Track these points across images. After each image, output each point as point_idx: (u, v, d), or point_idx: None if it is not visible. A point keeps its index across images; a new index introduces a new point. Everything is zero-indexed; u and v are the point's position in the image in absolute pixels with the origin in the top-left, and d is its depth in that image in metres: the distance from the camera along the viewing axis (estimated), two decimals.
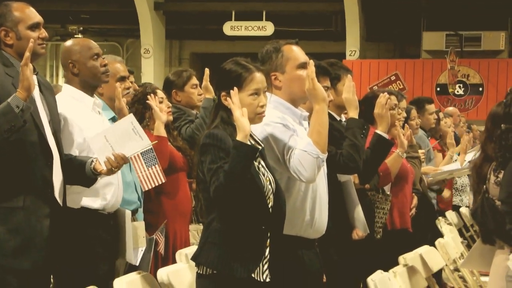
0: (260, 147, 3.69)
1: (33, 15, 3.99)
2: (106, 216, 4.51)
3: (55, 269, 4.00)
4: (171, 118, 5.51)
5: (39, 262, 3.83)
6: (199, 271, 3.61)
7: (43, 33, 3.98)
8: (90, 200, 4.42)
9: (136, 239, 4.80)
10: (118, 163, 3.94)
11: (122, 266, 5.06)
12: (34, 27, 3.96)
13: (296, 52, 4.08)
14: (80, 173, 4.04)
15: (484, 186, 4.54)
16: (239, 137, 3.49)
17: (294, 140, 3.87)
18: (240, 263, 3.54)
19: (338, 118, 5.18)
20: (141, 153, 4.38)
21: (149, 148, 4.20)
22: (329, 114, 4.98)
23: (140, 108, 5.35)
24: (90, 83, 4.48)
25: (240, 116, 3.51)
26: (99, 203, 4.46)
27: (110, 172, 3.97)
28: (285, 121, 3.94)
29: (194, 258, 3.62)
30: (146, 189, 4.78)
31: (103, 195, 4.46)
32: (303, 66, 4.03)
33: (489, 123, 4.70)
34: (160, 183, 4.77)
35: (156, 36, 17.39)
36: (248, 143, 3.50)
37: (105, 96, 4.95)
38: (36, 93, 3.91)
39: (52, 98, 4.03)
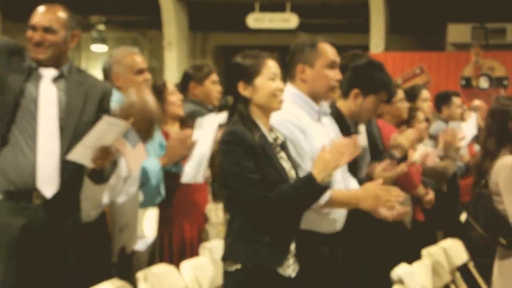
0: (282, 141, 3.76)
1: (35, 16, 4.02)
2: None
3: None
4: (181, 111, 5.48)
5: None
6: (227, 269, 3.61)
7: (35, 36, 3.97)
8: None
9: (144, 227, 4.78)
10: (102, 154, 3.87)
11: (145, 257, 5.06)
12: (31, 27, 4.00)
13: (329, 51, 4.08)
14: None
15: (484, 181, 4.57)
16: (317, 175, 3.55)
17: (301, 156, 3.89)
18: (269, 256, 3.57)
19: None
20: (123, 136, 4.37)
21: (128, 128, 4.15)
22: None
23: None
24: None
25: (329, 156, 3.56)
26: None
27: (101, 165, 3.93)
28: (299, 121, 3.92)
29: (224, 257, 3.63)
30: (134, 171, 4.66)
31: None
32: (332, 65, 4.05)
33: (489, 120, 4.76)
34: (144, 159, 4.75)
35: (179, 28, 17.35)
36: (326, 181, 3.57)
37: (123, 90, 4.96)
38: (45, 83, 3.93)
39: (82, 99, 4.02)
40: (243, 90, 3.64)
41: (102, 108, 4.10)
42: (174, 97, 5.46)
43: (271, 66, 3.67)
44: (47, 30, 3.96)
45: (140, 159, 4.60)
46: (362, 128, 4.71)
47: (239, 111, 3.64)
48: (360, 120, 4.61)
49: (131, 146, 4.48)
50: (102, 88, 4.14)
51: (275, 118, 3.81)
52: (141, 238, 4.77)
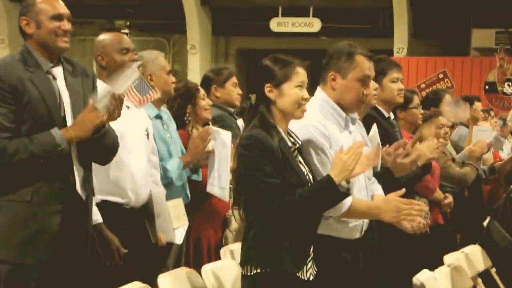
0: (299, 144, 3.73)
1: (57, 6, 3.95)
2: (129, 210, 4.50)
3: (77, 265, 3.97)
4: (210, 116, 5.53)
5: (44, 258, 3.80)
6: (245, 273, 3.60)
7: (66, 25, 3.93)
8: (111, 197, 4.43)
9: (175, 218, 4.81)
10: (113, 103, 3.87)
11: (172, 255, 5.09)
12: (56, 18, 3.92)
13: (365, 65, 4.00)
14: (89, 143, 3.95)
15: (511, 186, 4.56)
16: (335, 177, 3.53)
17: (323, 164, 3.83)
18: (289, 260, 3.56)
19: (386, 115, 5.15)
20: (134, 86, 4.36)
21: (139, 78, 4.13)
22: (377, 110, 5.02)
23: (182, 103, 5.37)
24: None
25: (346, 158, 3.53)
26: (120, 200, 4.47)
27: (111, 117, 3.90)
28: (325, 128, 3.90)
29: (242, 261, 3.63)
30: (140, 106, 4.70)
31: (123, 193, 4.47)
32: (364, 80, 3.99)
33: None
34: (156, 96, 4.76)
35: (203, 31, 17.42)
36: (342, 186, 3.54)
37: (154, 89, 5.00)
38: (60, 82, 3.93)
39: (82, 85, 4.01)
40: (269, 92, 3.63)
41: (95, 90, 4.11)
42: (205, 102, 5.50)
43: (301, 74, 3.66)
44: (69, 18, 3.98)
45: (150, 98, 4.66)
46: (374, 127, 4.66)
47: (261, 112, 3.64)
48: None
49: (139, 94, 4.53)
50: (88, 72, 4.12)
51: (300, 123, 3.80)
52: (175, 229, 4.81)
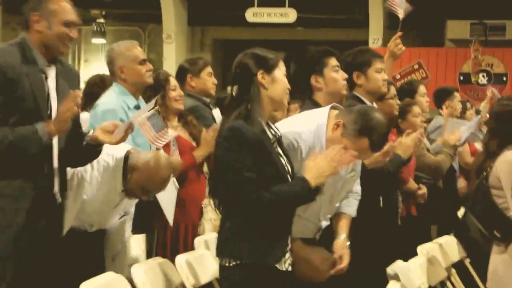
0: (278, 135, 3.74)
1: (71, 13, 3.95)
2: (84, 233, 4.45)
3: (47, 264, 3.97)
4: (181, 107, 5.53)
5: (7, 253, 3.80)
6: (224, 263, 3.59)
7: (74, 33, 3.95)
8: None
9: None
10: (127, 130, 3.96)
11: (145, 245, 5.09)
12: (67, 24, 3.93)
13: (359, 145, 3.85)
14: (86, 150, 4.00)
15: (484, 173, 4.59)
16: (311, 180, 3.53)
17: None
18: (266, 252, 3.57)
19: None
20: (147, 118, 4.45)
21: (154, 113, 4.22)
22: (360, 101, 5.03)
23: (152, 95, 5.35)
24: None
25: (323, 162, 3.53)
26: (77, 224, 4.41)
27: (116, 141, 3.97)
28: (312, 143, 3.89)
29: (219, 252, 3.62)
30: (159, 146, 4.84)
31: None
32: (360, 153, 3.86)
33: (493, 122, 4.77)
34: (172, 137, 4.94)
35: (178, 21, 17.33)
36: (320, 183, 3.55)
37: (128, 82, 5.00)
38: (51, 82, 3.94)
39: (68, 86, 4.00)
40: (261, 78, 3.63)
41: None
42: (175, 93, 5.49)
43: (283, 65, 3.72)
44: (77, 26, 3.99)
45: (165, 139, 4.82)
46: None
47: (249, 102, 3.60)
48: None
49: (153, 129, 4.67)
50: (74, 72, 4.20)
51: (296, 126, 3.86)
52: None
